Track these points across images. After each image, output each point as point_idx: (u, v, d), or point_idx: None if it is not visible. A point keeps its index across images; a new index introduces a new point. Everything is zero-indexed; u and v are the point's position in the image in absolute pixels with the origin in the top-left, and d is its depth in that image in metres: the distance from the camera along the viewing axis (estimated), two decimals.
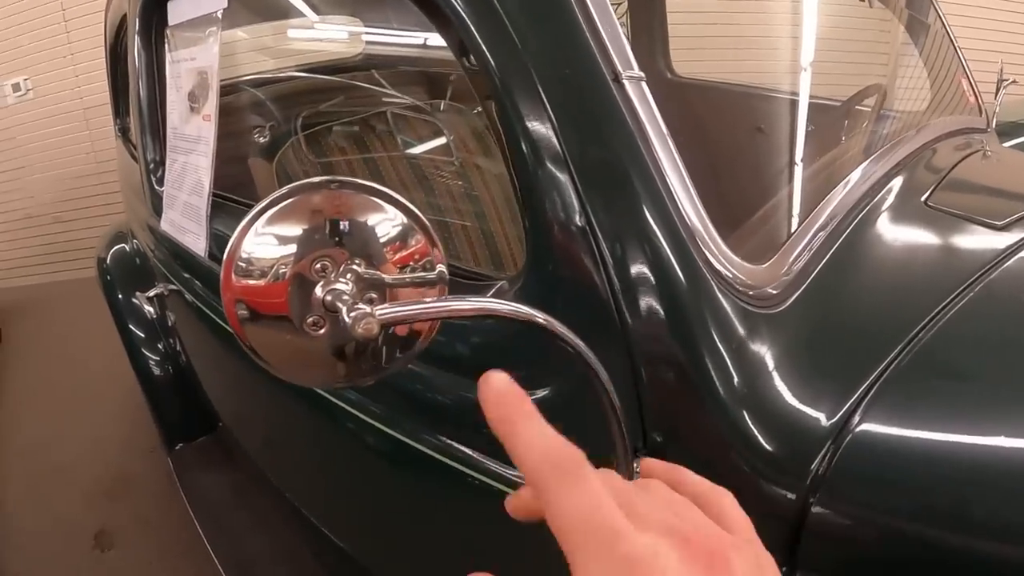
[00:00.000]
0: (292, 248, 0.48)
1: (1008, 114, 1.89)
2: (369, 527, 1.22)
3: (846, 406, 0.66)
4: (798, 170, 1.05)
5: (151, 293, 1.72)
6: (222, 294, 0.49)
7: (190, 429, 2.02)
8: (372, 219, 0.49)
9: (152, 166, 1.56)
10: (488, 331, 0.81)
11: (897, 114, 1.35)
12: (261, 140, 1.81)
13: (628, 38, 0.73)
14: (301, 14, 2.20)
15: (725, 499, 0.39)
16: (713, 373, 0.66)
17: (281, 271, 0.48)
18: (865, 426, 0.64)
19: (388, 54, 2.42)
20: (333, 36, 2.49)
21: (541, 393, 0.76)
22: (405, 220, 0.50)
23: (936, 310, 0.77)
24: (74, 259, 4.22)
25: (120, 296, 2.09)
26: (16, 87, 3.90)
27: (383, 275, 0.50)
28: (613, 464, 0.62)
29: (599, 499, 0.32)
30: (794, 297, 0.75)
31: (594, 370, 0.53)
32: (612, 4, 0.74)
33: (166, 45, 1.40)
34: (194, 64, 1.23)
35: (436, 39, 2.03)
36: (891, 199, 0.99)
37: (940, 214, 0.98)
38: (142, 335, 2.03)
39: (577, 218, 0.69)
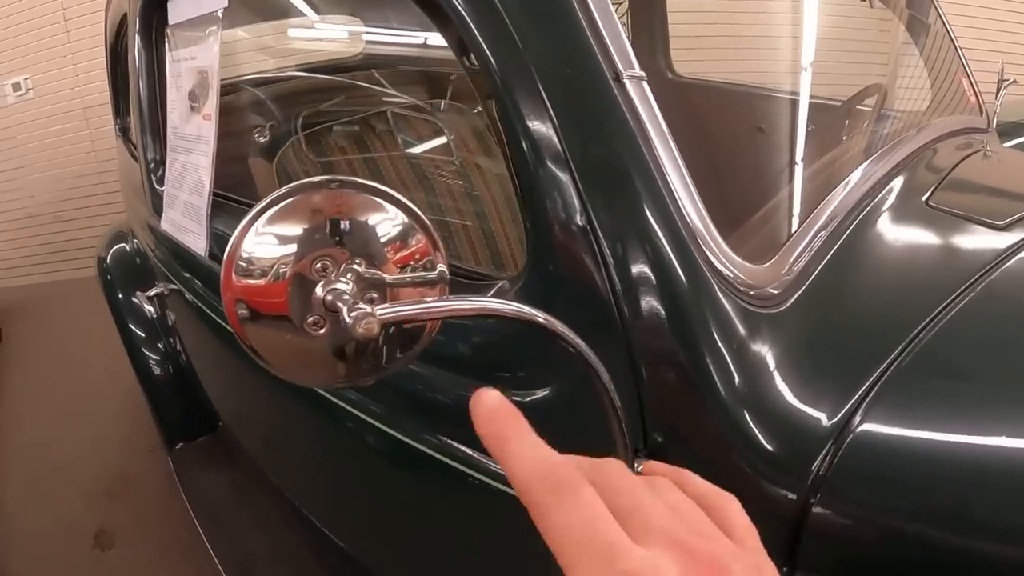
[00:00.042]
0: (292, 248, 0.48)
1: (1009, 114, 1.89)
2: (369, 527, 1.22)
3: (847, 406, 0.66)
4: (799, 170, 1.05)
5: (151, 293, 1.72)
6: (222, 293, 0.48)
7: (190, 429, 2.02)
8: (373, 219, 0.49)
9: (152, 165, 1.56)
10: (489, 331, 0.80)
11: (898, 114, 1.35)
12: (261, 140, 1.81)
13: (628, 37, 0.73)
14: (301, 13, 2.20)
15: (731, 504, 0.39)
16: (714, 373, 0.65)
17: (281, 271, 0.48)
18: (866, 426, 0.64)
19: (388, 54, 2.41)
20: (333, 36, 2.48)
21: (541, 393, 0.76)
22: (406, 220, 0.50)
23: (937, 310, 0.77)
24: (74, 258, 4.22)
25: (120, 296, 2.08)
26: (16, 86, 3.89)
27: (384, 275, 0.50)
28: None
29: (595, 512, 0.31)
30: (795, 297, 0.75)
31: (595, 369, 0.53)
32: (612, 3, 0.74)
33: (166, 44, 1.40)
34: (194, 63, 1.23)
35: (436, 39, 2.03)
36: (892, 199, 0.99)
37: (941, 214, 0.98)
38: (142, 335, 2.03)
39: (578, 217, 0.69)
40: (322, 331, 0.49)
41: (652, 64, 2.11)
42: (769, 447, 0.64)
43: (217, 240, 1.23)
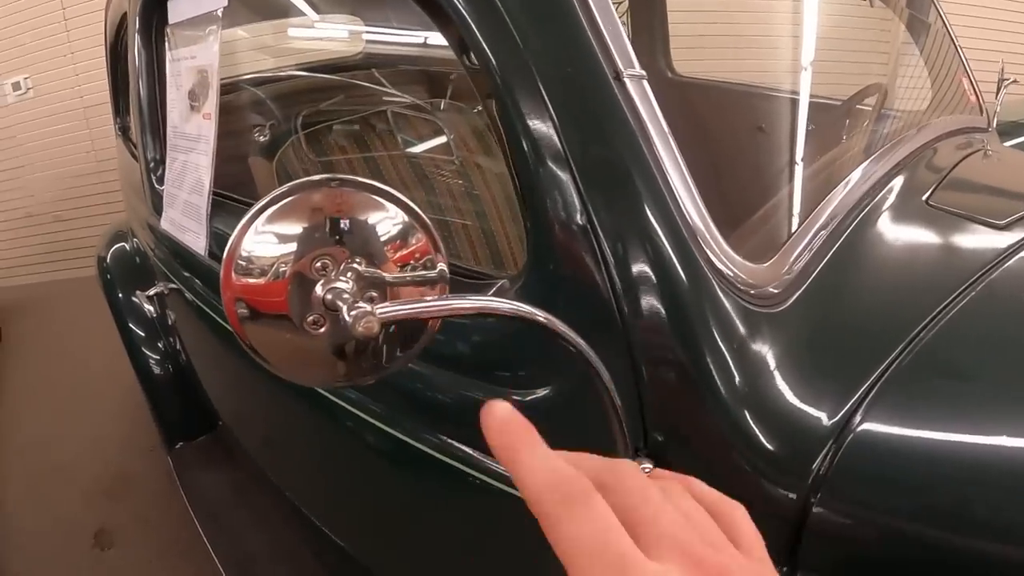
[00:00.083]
0: (292, 246, 0.48)
1: (1009, 113, 1.89)
2: (369, 526, 1.21)
3: (847, 405, 0.66)
4: (799, 169, 1.05)
5: (151, 292, 1.72)
6: (222, 293, 0.48)
7: (190, 428, 2.02)
8: (373, 217, 0.49)
9: (152, 165, 1.56)
10: (489, 330, 0.80)
11: (898, 113, 1.35)
12: (261, 139, 1.81)
13: (628, 37, 0.73)
14: (302, 13, 2.20)
15: (737, 512, 0.39)
16: (714, 372, 0.65)
17: (281, 270, 0.48)
18: (866, 426, 0.64)
19: (388, 53, 2.41)
20: (333, 35, 2.48)
21: (542, 392, 0.76)
22: (406, 219, 0.50)
23: (937, 309, 0.77)
24: (74, 258, 4.22)
25: (120, 295, 2.08)
26: (16, 86, 3.89)
27: (384, 274, 0.50)
28: None
29: (606, 524, 0.31)
30: (795, 296, 0.75)
31: (595, 369, 0.53)
32: (612, 3, 0.74)
33: (166, 43, 1.40)
34: (194, 62, 1.23)
35: (436, 38, 2.03)
36: (892, 198, 0.98)
37: (941, 213, 0.98)
38: (142, 334, 2.03)
39: (578, 217, 0.69)
40: (322, 330, 0.49)
41: (652, 64, 2.11)
42: (769, 446, 0.64)
43: (217, 239, 1.23)
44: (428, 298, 0.51)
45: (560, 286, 0.72)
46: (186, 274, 1.46)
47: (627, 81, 0.69)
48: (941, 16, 1.53)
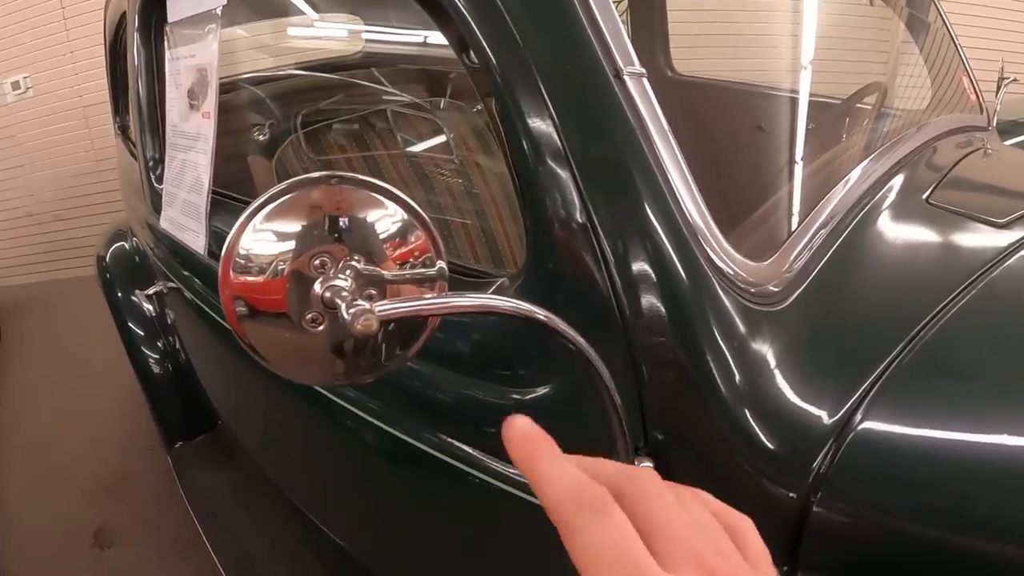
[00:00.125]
0: (291, 244, 0.48)
1: (1008, 113, 1.89)
2: (369, 525, 1.21)
3: (848, 404, 0.66)
4: (799, 168, 1.05)
5: (150, 291, 1.72)
6: (220, 291, 0.48)
7: (189, 427, 2.02)
8: (372, 215, 0.49)
9: (151, 164, 1.56)
10: (488, 328, 0.80)
11: (898, 112, 1.35)
12: (261, 138, 1.81)
13: (628, 36, 0.73)
14: (301, 12, 2.20)
15: (746, 524, 0.39)
16: (714, 371, 0.65)
17: (280, 267, 0.48)
18: (867, 424, 0.64)
19: (388, 52, 2.41)
20: (333, 34, 2.48)
21: (541, 391, 0.76)
22: (405, 216, 0.50)
23: (938, 308, 0.77)
24: (74, 257, 4.21)
25: (119, 294, 2.08)
26: (16, 85, 3.89)
27: (383, 272, 0.50)
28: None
29: (622, 533, 0.32)
30: (796, 295, 0.75)
31: (595, 367, 0.53)
32: (612, 1, 0.74)
33: (165, 42, 1.39)
34: (193, 61, 1.23)
35: (436, 37, 2.03)
36: (892, 197, 0.98)
37: (941, 212, 0.98)
38: (141, 333, 2.03)
39: (578, 215, 0.69)
40: (320, 328, 0.49)
41: (652, 62, 2.10)
42: (770, 445, 0.64)
43: (216, 238, 1.23)
44: (427, 296, 0.51)
45: (560, 284, 0.72)
46: (185, 273, 1.46)
47: (627, 79, 0.69)
48: (941, 14, 1.53)
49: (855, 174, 0.98)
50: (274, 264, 0.48)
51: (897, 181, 1.02)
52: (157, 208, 1.50)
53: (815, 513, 0.62)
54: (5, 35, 3.80)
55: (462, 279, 0.83)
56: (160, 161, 1.52)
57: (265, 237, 0.47)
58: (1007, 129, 1.86)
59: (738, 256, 0.71)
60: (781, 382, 0.67)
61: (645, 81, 0.71)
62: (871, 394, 0.66)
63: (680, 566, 0.32)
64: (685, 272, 0.66)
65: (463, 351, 0.84)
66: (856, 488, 0.62)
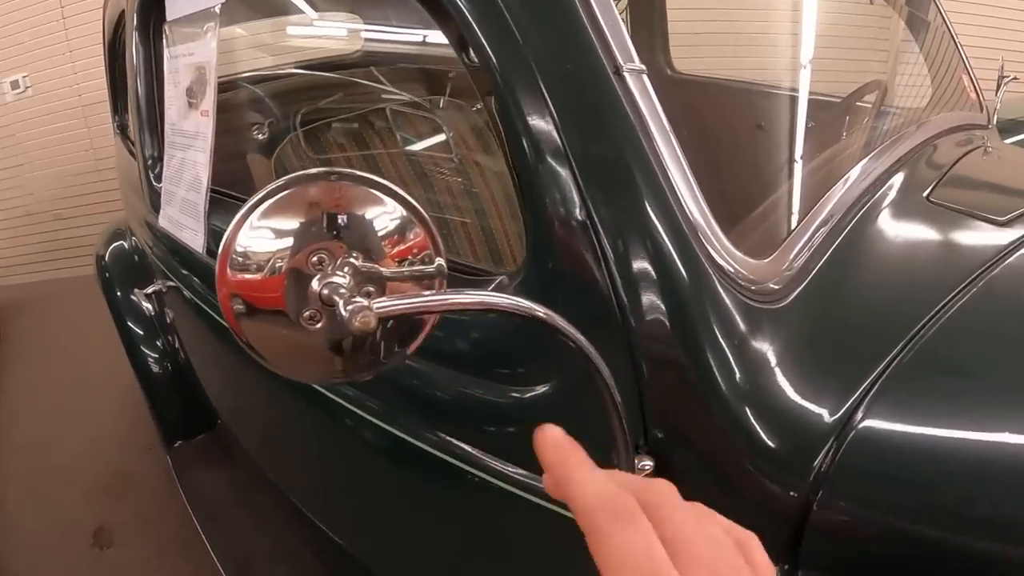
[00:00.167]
0: (289, 241, 0.47)
1: (1008, 111, 1.89)
2: (368, 524, 1.21)
3: (849, 402, 0.65)
4: (799, 166, 1.04)
5: (149, 290, 1.72)
6: (217, 289, 0.48)
7: (189, 426, 2.02)
8: (370, 212, 0.49)
9: (150, 162, 1.55)
10: (488, 326, 0.80)
11: (898, 110, 1.35)
12: (260, 137, 1.80)
13: (628, 34, 0.73)
14: (300, 11, 2.19)
15: (752, 542, 0.40)
16: (715, 369, 0.65)
17: (277, 265, 0.48)
18: (868, 423, 0.64)
19: (387, 51, 2.41)
20: (332, 33, 2.48)
21: (541, 389, 0.76)
22: (404, 213, 0.50)
23: (939, 306, 0.77)
24: (74, 256, 4.21)
25: (119, 293, 2.08)
26: (15, 84, 3.89)
27: (381, 269, 0.50)
28: (613, 462, 0.62)
29: (649, 542, 0.34)
30: (796, 293, 0.75)
31: (595, 365, 0.52)
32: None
33: (164, 41, 1.39)
34: (192, 59, 1.22)
35: (435, 36, 2.03)
36: (893, 195, 0.98)
37: (942, 210, 0.98)
38: (140, 332, 2.03)
39: (578, 212, 0.68)
40: (318, 325, 0.49)
41: (651, 61, 2.10)
42: (771, 444, 0.64)
43: (215, 236, 1.23)
44: (426, 293, 0.51)
45: (559, 282, 0.72)
46: (184, 272, 1.46)
47: (627, 76, 0.69)
48: (941, 13, 1.53)
49: (855, 172, 0.98)
50: (272, 261, 0.47)
51: (897, 179, 1.02)
52: (156, 207, 1.50)
53: (816, 512, 0.62)
54: (4, 34, 3.80)
55: (461, 277, 0.83)
56: (159, 160, 1.51)
57: (263, 234, 0.47)
58: (1007, 128, 1.86)
59: (738, 254, 0.70)
60: (782, 380, 0.67)
61: (645, 78, 0.70)
62: (872, 392, 0.66)
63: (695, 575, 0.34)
64: (685, 270, 0.66)
65: (462, 349, 0.84)
66: (857, 487, 0.62)
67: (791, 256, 0.79)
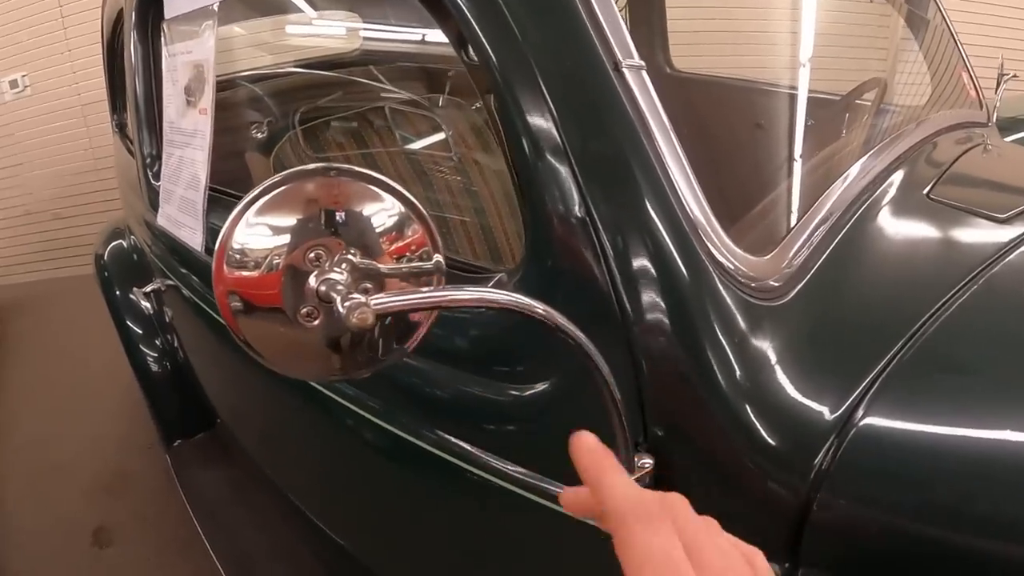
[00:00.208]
0: (286, 238, 0.47)
1: (1008, 110, 1.88)
2: (367, 523, 1.21)
3: (849, 400, 0.65)
4: (799, 164, 1.04)
5: (148, 288, 1.71)
6: (214, 286, 0.48)
7: (188, 425, 2.01)
8: (368, 208, 0.49)
9: (148, 161, 1.55)
10: (487, 324, 0.80)
11: (897, 108, 1.35)
12: (259, 136, 1.80)
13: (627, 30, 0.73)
14: (299, 10, 2.19)
15: (758, 557, 0.42)
16: (715, 366, 0.65)
17: (275, 262, 0.47)
18: (869, 420, 0.63)
19: (386, 50, 2.41)
20: (331, 32, 2.48)
21: (540, 387, 0.75)
22: (402, 210, 0.50)
23: (939, 304, 0.77)
24: (73, 255, 4.21)
25: (118, 292, 2.08)
26: (14, 84, 3.88)
27: (379, 265, 0.50)
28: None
29: (673, 544, 0.38)
30: (796, 290, 0.74)
31: (594, 362, 0.52)
32: None
33: (162, 39, 1.39)
34: (190, 57, 1.22)
35: (434, 34, 2.02)
36: (893, 192, 0.98)
37: (942, 207, 0.98)
38: (139, 331, 2.03)
39: (577, 210, 0.68)
40: (316, 322, 0.49)
41: (650, 59, 2.09)
42: (771, 441, 0.64)
43: (213, 235, 1.23)
44: (424, 289, 0.50)
45: (559, 280, 0.71)
46: (183, 270, 1.46)
47: (626, 72, 0.69)
48: (940, 10, 1.52)
49: (855, 170, 0.97)
50: (269, 258, 0.47)
51: (897, 177, 1.02)
52: (155, 205, 1.50)
53: (816, 510, 0.62)
54: (3, 34, 3.80)
55: (460, 274, 0.83)
56: (157, 158, 1.51)
57: (260, 231, 0.47)
58: (1006, 126, 1.85)
59: (738, 251, 0.70)
60: (782, 378, 0.66)
61: (644, 74, 0.70)
62: (872, 390, 0.66)
63: None
64: (685, 267, 0.66)
65: (462, 347, 0.84)
66: (858, 484, 0.62)
67: (791, 253, 0.78)
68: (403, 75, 2.28)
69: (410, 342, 0.54)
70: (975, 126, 1.39)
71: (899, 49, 1.57)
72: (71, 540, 2.12)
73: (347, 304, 0.44)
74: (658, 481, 0.68)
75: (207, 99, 1.17)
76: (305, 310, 0.48)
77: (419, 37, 2.22)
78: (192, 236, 1.27)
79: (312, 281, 0.48)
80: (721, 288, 0.67)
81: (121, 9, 1.64)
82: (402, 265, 0.51)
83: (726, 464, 0.66)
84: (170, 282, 1.58)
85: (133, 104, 1.57)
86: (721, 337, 0.65)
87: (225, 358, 1.41)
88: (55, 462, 2.49)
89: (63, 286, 4.10)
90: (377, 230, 0.49)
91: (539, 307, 0.48)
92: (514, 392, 0.78)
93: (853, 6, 1.66)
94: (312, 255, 0.48)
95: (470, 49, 0.74)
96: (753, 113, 1.46)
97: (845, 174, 0.96)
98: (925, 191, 1.01)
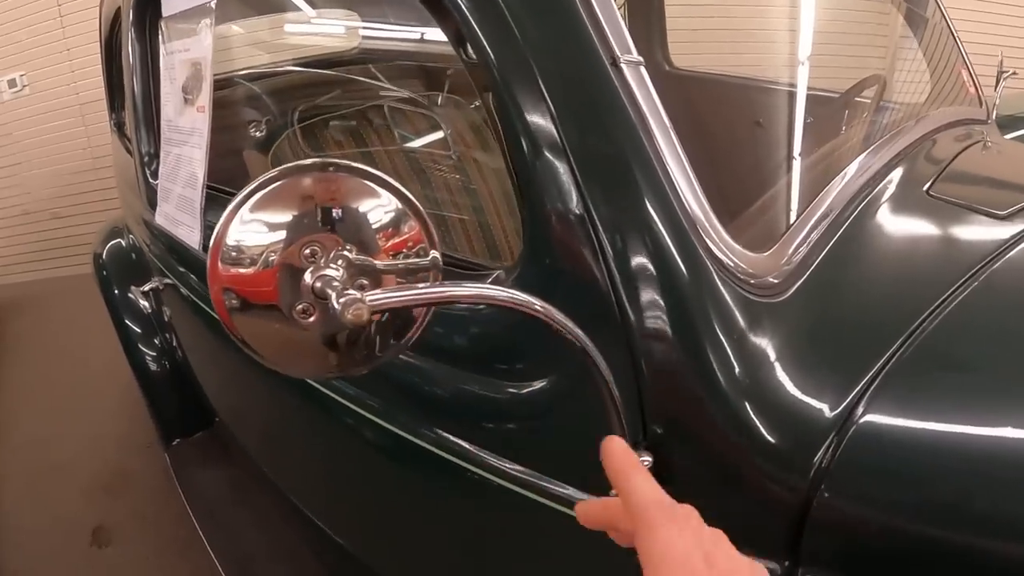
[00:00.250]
0: (281, 234, 0.47)
1: (1007, 107, 1.88)
2: (368, 523, 1.21)
3: (849, 397, 0.65)
4: (798, 161, 1.04)
5: (146, 287, 1.71)
6: (209, 284, 0.47)
7: (187, 424, 2.01)
8: (364, 204, 0.48)
9: (146, 159, 1.55)
10: (486, 322, 0.80)
11: (896, 105, 1.34)
12: (258, 134, 1.80)
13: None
14: (298, 8, 2.19)
15: (759, 571, 0.44)
16: (714, 363, 0.65)
17: (270, 258, 0.47)
18: (869, 418, 0.63)
19: (385, 48, 2.40)
20: (330, 30, 2.48)
21: (539, 385, 0.75)
22: (399, 206, 0.49)
23: (939, 301, 0.76)
24: (72, 255, 4.21)
25: (116, 292, 2.07)
26: (12, 83, 3.88)
27: (375, 261, 0.49)
28: None
29: (695, 543, 0.41)
30: (796, 286, 0.74)
31: (592, 360, 0.52)
32: None
33: (160, 37, 1.39)
34: (188, 55, 1.22)
35: (433, 33, 2.02)
36: (892, 189, 0.98)
37: (942, 204, 0.97)
38: (138, 330, 2.02)
39: (576, 207, 0.68)
40: (312, 319, 0.48)
41: (649, 57, 2.09)
42: (771, 439, 0.63)
43: (211, 233, 1.22)
44: (420, 285, 0.50)
45: (557, 277, 0.71)
46: (181, 269, 1.45)
47: (624, 67, 0.69)
48: (940, 7, 1.52)
49: (854, 166, 0.97)
50: (264, 255, 0.47)
51: (897, 173, 1.01)
52: (152, 204, 1.50)
53: (816, 507, 0.61)
54: (2, 33, 3.79)
55: (459, 272, 0.83)
56: (155, 156, 1.51)
57: (255, 227, 0.46)
58: (1005, 124, 1.85)
59: (737, 247, 0.70)
60: (782, 375, 0.66)
61: (643, 70, 0.70)
62: (872, 387, 0.66)
63: None
64: (684, 264, 0.66)
65: (461, 345, 0.84)
66: (858, 482, 0.61)
67: (791, 250, 0.78)
68: (402, 73, 2.28)
69: (407, 339, 0.54)
70: (975, 123, 1.39)
71: (898, 46, 1.56)
72: (70, 539, 2.12)
73: (342, 300, 0.44)
74: (658, 479, 0.67)
75: (204, 97, 1.16)
76: (301, 307, 0.48)
77: (418, 36, 2.21)
78: (190, 234, 1.27)
79: (307, 277, 0.47)
80: (720, 285, 0.67)
81: (119, 8, 1.64)
82: (398, 261, 0.50)
83: (726, 462, 0.66)
84: (168, 281, 1.58)
85: (131, 103, 1.57)
86: (720, 334, 0.65)
87: (224, 356, 1.41)
88: (54, 461, 2.49)
89: (62, 285, 4.09)
90: (373, 226, 0.49)
91: (537, 303, 0.48)
92: (514, 391, 0.77)
93: (852, 3, 1.66)
94: (308, 251, 0.47)
95: (468, 47, 0.74)
96: (752, 110, 1.46)
97: (844, 171, 0.96)
98: (925, 188, 1.01)
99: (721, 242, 0.68)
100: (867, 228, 0.89)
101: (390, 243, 0.50)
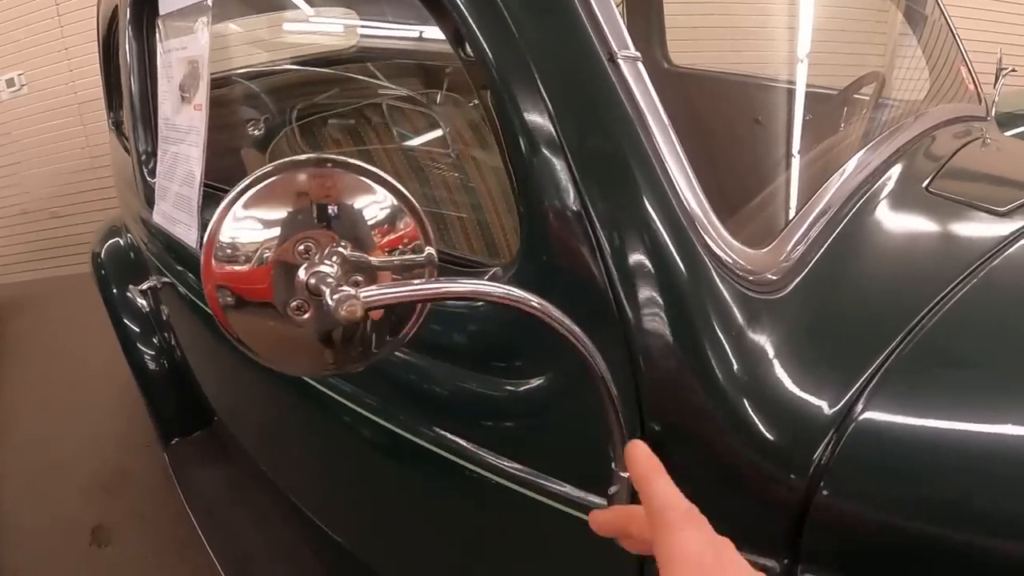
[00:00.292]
0: (276, 231, 0.46)
1: (1006, 105, 1.88)
2: (366, 522, 1.21)
3: (849, 394, 0.65)
4: (796, 158, 1.04)
5: (144, 286, 1.71)
6: (203, 281, 0.47)
7: (186, 424, 2.01)
8: (359, 200, 0.48)
9: (144, 157, 1.55)
10: (484, 320, 0.79)
11: (895, 102, 1.34)
12: (256, 133, 1.80)
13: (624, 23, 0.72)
14: (296, 6, 2.19)
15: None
16: (713, 360, 0.64)
17: (264, 255, 0.47)
18: (868, 415, 0.63)
19: (383, 46, 2.40)
20: (328, 28, 2.47)
21: (536, 382, 0.75)
22: (394, 202, 0.49)
23: (939, 298, 0.76)
24: (70, 254, 4.21)
25: (115, 291, 2.07)
26: (10, 82, 3.88)
27: (370, 258, 0.49)
28: (610, 455, 0.61)
29: (711, 545, 0.43)
30: (795, 283, 0.74)
31: (589, 356, 0.52)
32: None
33: (157, 35, 1.38)
34: (185, 53, 1.21)
35: (431, 31, 2.02)
36: (892, 185, 0.97)
37: (942, 200, 0.97)
38: (136, 329, 2.02)
39: (573, 204, 0.68)
40: (306, 316, 0.48)
41: (648, 54, 2.09)
42: (770, 436, 0.63)
43: None
44: (415, 281, 0.50)
45: (555, 274, 0.71)
46: (179, 268, 1.45)
47: (621, 63, 0.68)
48: (939, 4, 1.52)
49: (853, 163, 0.97)
50: (259, 252, 0.46)
51: (896, 170, 1.01)
52: (150, 202, 1.49)
53: (816, 504, 0.61)
54: (0, 32, 3.79)
55: (456, 269, 0.82)
56: (152, 155, 1.50)
57: (249, 224, 0.46)
58: (1004, 121, 1.85)
59: (736, 243, 0.70)
60: (781, 372, 0.66)
61: (640, 66, 0.70)
62: (872, 385, 0.65)
63: None
64: (682, 260, 0.65)
65: (459, 343, 0.83)
66: (857, 479, 0.61)
67: (789, 246, 0.78)
68: (400, 72, 2.28)
69: (402, 335, 0.54)
70: (974, 120, 1.38)
71: (897, 43, 1.56)
72: (69, 539, 2.12)
73: (336, 297, 0.43)
74: None
75: (202, 95, 1.16)
76: (295, 303, 0.48)
77: (416, 34, 2.21)
78: (187, 233, 1.26)
79: (301, 274, 0.47)
80: (718, 281, 0.67)
81: (116, 6, 1.64)
82: (393, 258, 0.50)
83: (725, 459, 0.65)
84: (166, 279, 1.58)
85: (129, 101, 1.56)
86: (719, 331, 0.65)
87: (222, 355, 1.41)
88: (53, 461, 2.49)
89: (60, 285, 4.09)
90: (369, 223, 0.48)
91: (533, 300, 0.48)
92: (511, 388, 0.77)
93: (851, 0, 1.65)
94: (302, 247, 0.47)
95: (466, 45, 0.74)
96: (751, 108, 1.45)
97: (843, 167, 0.95)
98: (924, 184, 1.01)
99: (719, 239, 0.68)
100: (866, 225, 0.88)
101: (385, 239, 0.49)
